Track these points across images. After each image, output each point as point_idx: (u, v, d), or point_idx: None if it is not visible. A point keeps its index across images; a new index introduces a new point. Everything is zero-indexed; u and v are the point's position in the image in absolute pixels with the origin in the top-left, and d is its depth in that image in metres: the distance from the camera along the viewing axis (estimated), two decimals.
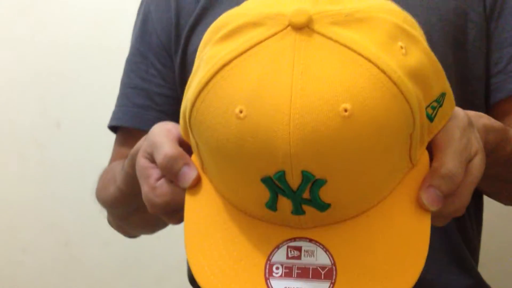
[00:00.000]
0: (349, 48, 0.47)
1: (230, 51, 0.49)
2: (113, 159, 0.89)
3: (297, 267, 0.50)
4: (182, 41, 0.85)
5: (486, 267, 0.92)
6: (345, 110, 0.45)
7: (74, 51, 1.40)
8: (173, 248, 1.28)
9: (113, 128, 0.91)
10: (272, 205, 0.49)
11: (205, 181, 0.54)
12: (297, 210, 0.49)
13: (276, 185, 0.48)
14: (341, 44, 0.47)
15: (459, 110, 0.54)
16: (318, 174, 0.47)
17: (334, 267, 0.49)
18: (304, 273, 0.49)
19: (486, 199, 0.86)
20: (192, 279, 0.87)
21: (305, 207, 0.49)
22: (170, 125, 0.58)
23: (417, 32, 0.52)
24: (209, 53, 0.51)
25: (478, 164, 0.52)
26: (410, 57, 0.49)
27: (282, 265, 0.50)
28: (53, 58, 1.40)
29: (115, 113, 0.90)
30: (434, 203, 0.50)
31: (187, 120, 0.52)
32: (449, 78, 0.54)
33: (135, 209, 0.75)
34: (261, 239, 0.51)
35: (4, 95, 1.42)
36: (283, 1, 0.50)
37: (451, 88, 0.54)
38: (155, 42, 0.88)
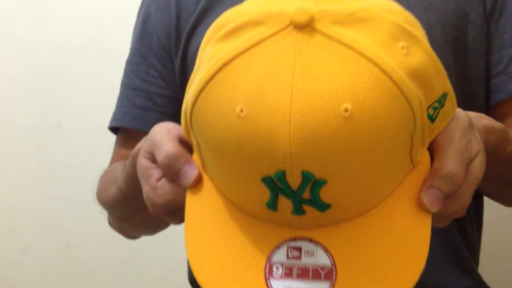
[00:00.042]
0: (350, 48, 0.47)
1: (231, 50, 0.48)
2: (114, 160, 0.89)
3: (297, 267, 0.50)
4: (183, 42, 0.85)
5: (486, 268, 0.92)
6: (346, 110, 0.45)
7: (75, 51, 1.40)
8: (173, 249, 1.27)
9: (113, 129, 0.91)
10: (272, 205, 0.49)
11: (206, 180, 0.54)
12: (297, 210, 0.49)
13: (276, 185, 0.48)
14: (343, 44, 0.47)
15: (459, 111, 0.54)
16: (318, 174, 0.47)
17: (334, 268, 0.49)
18: (304, 273, 0.49)
19: (486, 200, 0.86)
20: (192, 280, 0.86)
21: (305, 207, 0.49)
22: (171, 125, 0.58)
23: (419, 32, 0.52)
24: (210, 52, 0.51)
25: (478, 165, 0.52)
26: (412, 57, 0.49)
27: (282, 265, 0.50)
28: (54, 59, 1.40)
29: (115, 114, 0.90)
30: (434, 204, 0.50)
31: (188, 119, 0.52)
32: (449, 79, 0.54)
33: (136, 210, 0.75)
34: (261, 239, 0.51)
35: (4, 96, 1.42)
36: (285, 0, 0.49)
37: None
38: (156, 43, 0.88)
